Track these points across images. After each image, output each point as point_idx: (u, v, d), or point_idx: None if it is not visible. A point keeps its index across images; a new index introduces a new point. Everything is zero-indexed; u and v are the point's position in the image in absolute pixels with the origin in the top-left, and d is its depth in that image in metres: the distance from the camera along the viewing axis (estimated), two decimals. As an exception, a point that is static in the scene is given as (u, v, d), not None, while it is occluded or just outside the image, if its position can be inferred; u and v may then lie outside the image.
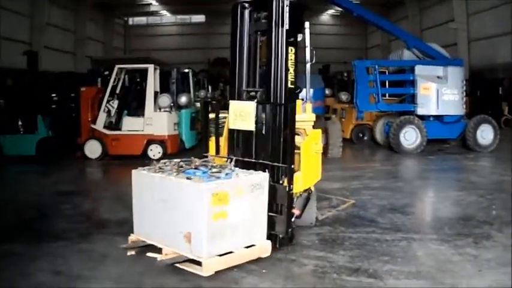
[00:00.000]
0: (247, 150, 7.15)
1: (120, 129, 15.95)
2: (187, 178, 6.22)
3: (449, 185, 11.98)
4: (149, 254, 6.51)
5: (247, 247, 6.39)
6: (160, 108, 15.79)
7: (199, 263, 5.96)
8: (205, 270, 5.91)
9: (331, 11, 46.31)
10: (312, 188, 7.96)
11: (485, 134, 17.02)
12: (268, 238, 6.68)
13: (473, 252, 6.89)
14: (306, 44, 8.28)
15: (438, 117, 17.06)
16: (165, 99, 15.81)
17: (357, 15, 17.85)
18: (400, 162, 15.45)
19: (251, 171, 6.75)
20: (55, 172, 14.12)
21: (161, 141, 15.64)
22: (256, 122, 6.98)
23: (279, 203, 6.82)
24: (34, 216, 9.17)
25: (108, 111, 15.86)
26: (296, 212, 7.07)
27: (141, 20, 51.30)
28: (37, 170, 14.91)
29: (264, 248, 6.54)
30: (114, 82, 15.89)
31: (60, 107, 17.61)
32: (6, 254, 7.00)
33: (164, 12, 48.21)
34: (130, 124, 15.96)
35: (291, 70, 6.82)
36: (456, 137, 17.49)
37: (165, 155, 14.76)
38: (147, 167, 6.87)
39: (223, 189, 6.04)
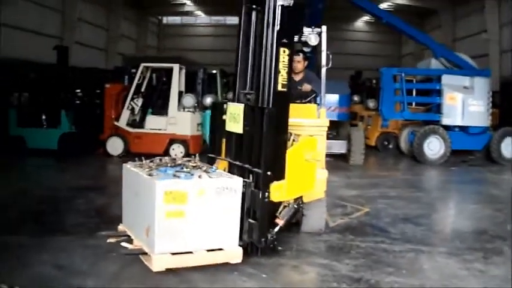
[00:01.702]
0: (238, 154, 7.00)
1: (143, 128, 16.00)
2: (149, 175, 6.28)
3: (468, 198, 11.80)
4: (123, 244, 6.69)
5: (212, 250, 6.29)
6: (184, 108, 15.77)
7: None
8: (155, 266, 5.99)
9: (365, 18, 46.00)
10: (323, 195, 7.87)
11: (510, 147, 16.71)
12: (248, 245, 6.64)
13: (481, 267, 6.70)
14: (322, 49, 8.16)
15: (463, 128, 16.80)
16: (189, 100, 15.79)
17: (385, 22, 17.69)
18: (421, 173, 15.25)
19: (227, 174, 6.72)
20: (75, 167, 14.20)
21: (183, 141, 15.63)
22: (245, 126, 6.80)
23: (256, 210, 6.61)
24: (46, 210, 9.18)
25: (132, 109, 15.92)
26: (279, 221, 6.76)
27: (176, 19, 51.43)
28: (57, 164, 15.03)
29: (234, 254, 6.36)
30: (139, 80, 15.93)
31: (85, 103, 17.68)
32: (12, 245, 7.01)
33: (199, 12, 48.28)
34: (153, 123, 16.00)
35: (283, 72, 6.56)
36: (481, 148, 17.21)
37: (187, 155, 14.72)
38: (137, 162, 6.96)
39: (179, 188, 6.02)
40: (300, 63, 8.88)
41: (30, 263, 6.39)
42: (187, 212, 6.08)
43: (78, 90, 17.51)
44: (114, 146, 15.79)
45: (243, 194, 6.55)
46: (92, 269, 6.29)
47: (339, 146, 15.53)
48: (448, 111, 16.44)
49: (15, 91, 16.87)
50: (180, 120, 15.70)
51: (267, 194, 6.50)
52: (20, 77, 17.42)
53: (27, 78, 17.25)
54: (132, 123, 16.06)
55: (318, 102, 11.11)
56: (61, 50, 17.82)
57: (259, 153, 6.56)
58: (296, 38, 8.54)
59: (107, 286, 5.81)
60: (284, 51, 6.58)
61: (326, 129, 8.15)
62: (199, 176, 6.31)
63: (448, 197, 12.21)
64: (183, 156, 13.52)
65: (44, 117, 16.11)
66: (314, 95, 8.66)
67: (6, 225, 7.96)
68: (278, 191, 6.55)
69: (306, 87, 8.77)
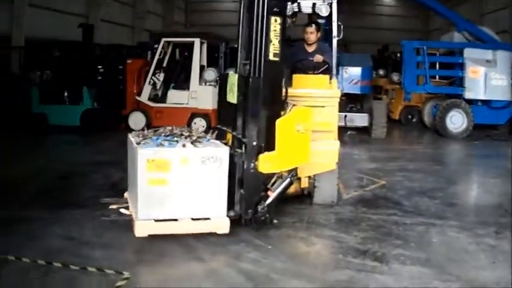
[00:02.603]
0: (234, 124, 6.89)
1: (165, 102, 16.04)
2: (137, 143, 6.36)
3: (487, 172, 11.58)
4: (122, 211, 6.83)
5: (198, 219, 6.31)
6: (206, 82, 15.75)
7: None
8: (137, 232, 6.14)
9: (393, -8, 45.60)
10: (335, 166, 7.80)
11: (534, 121, 16.42)
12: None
13: (492, 242, 6.59)
14: (333, 19, 8.10)
15: (486, 102, 16.55)
16: (210, 73, 15.78)
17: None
18: (443, 146, 15.08)
19: (217, 144, 6.68)
20: (96, 142, 14.29)
21: (205, 115, 15.64)
22: (238, 96, 6.71)
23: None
24: (63, 184, 9.30)
25: (154, 84, 15.96)
26: (271, 194, 6.58)
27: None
28: (79, 140, 15.15)
29: (221, 224, 6.34)
30: (160, 55, 15.94)
31: (107, 79, 17.72)
32: (24, 218, 7.12)
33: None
34: (175, 97, 16.05)
35: (274, 42, 6.42)
36: (504, 123, 16.94)
37: (209, 128, 14.70)
38: (139, 132, 7.08)
39: (162, 156, 6.12)
40: (312, 34, 8.76)
41: (41, 235, 6.47)
42: (170, 180, 6.16)
43: (100, 67, 17.53)
44: (136, 121, 15.83)
45: (236, 164, 6.54)
46: (100, 239, 6.39)
47: (361, 119, 15.43)
48: (470, 85, 16.19)
49: (37, 69, 16.95)
50: (202, 94, 15.70)
51: (252, 164, 6.44)
52: (44, 55, 17.53)
53: (50, 57, 17.33)
54: (154, 98, 16.12)
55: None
56: (86, 28, 17.89)
57: (247, 123, 6.53)
58: (310, 9, 8.55)
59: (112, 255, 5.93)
60: (275, 20, 6.42)
61: (337, 100, 8.11)
62: (183, 145, 6.32)
63: (467, 170, 12.05)
64: (205, 130, 13.59)
65: (66, 94, 16.25)
66: (326, 66, 8.52)
67: (22, 200, 8.09)
68: (267, 162, 6.42)
69: (318, 58, 8.65)
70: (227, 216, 6.41)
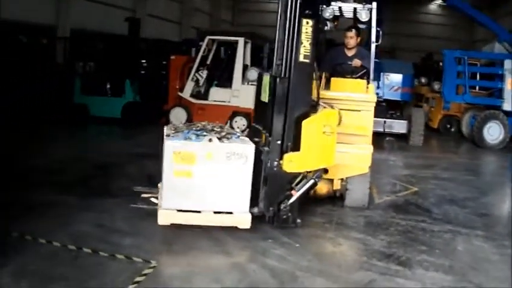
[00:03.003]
0: (266, 123, 7.03)
1: (207, 99, 16.18)
2: (167, 135, 6.62)
3: None
4: (153, 200, 7.09)
5: (220, 213, 6.48)
6: (248, 82, 15.87)
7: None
8: (160, 220, 6.41)
9: (439, 1, 45.12)
10: (367, 170, 7.91)
11: None
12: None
13: (516, 254, 6.63)
14: (372, 25, 8.21)
15: (523, 115, 16.30)
16: (253, 73, 15.85)
17: (449, 4, 17.40)
18: (479, 157, 14.99)
19: (245, 141, 6.79)
20: (135, 135, 14.55)
21: (246, 114, 15.69)
22: (269, 95, 6.86)
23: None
24: (99, 174, 9.57)
25: (197, 81, 16.12)
26: (294, 193, 6.62)
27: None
28: (118, 132, 15.47)
29: (242, 219, 6.49)
30: (204, 52, 16.11)
31: (150, 73, 18.01)
32: (58, 204, 7.43)
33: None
34: (217, 94, 16.17)
35: (305, 44, 6.51)
36: (541, 137, 16.66)
37: (249, 127, 14.86)
38: (175, 125, 7.43)
39: (188, 149, 6.36)
40: (352, 38, 8.85)
41: (73, 221, 6.74)
42: (195, 173, 6.40)
43: (144, 61, 17.82)
44: (177, 116, 15.99)
45: (263, 162, 6.68)
46: (131, 228, 6.65)
47: (400, 126, 15.42)
48: (508, 97, 15.96)
49: (80, 60, 17.30)
50: (244, 93, 15.78)
51: (276, 163, 6.57)
52: (88, 47, 17.88)
53: (94, 48, 17.68)
54: (196, 95, 16.25)
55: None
56: (132, 22, 18.20)
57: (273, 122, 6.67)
58: (351, 14, 8.68)
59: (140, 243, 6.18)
60: (307, 23, 6.52)
61: (373, 104, 8.19)
62: (210, 140, 6.48)
63: (500, 182, 11.99)
64: (245, 129, 13.73)
65: (108, 86, 16.56)
66: (364, 70, 8.62)
67: (58, 187, 8.36)
68: (291, 162, 6.53)
69: (356, 62, 8.75)
70: (250, 212, 6.56)
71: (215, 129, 7.08)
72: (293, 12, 6.55)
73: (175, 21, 36.21)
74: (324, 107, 7.13)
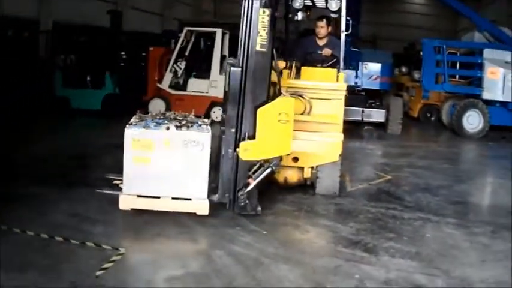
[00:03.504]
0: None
1: (185, 90, 16.17)
2: (129, 124, 6.77)
3: (497, 172, 11.51)
4: (121, 186, 6.93)
5: (178, 199, 6.59)
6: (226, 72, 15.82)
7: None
8: (121, 205, 6.63)
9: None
10: (338, 158, 7.92)
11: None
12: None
13: (486, 241, 6.65)
14: (342, 14, 8.19)
15: (503, 104, 16.27)
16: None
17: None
18: (457, 145, 15.02)
19: (203, 129, 6.75)
20: (114, 126, 14.24)
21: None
22: (226, 84, 6.90)
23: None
24: (75, 165, 9.58)
25: (175, 72, 16.12)
26: (251, 181, 6.59)
27: (233, -16, 51.28)
28: (98, 123, 15.42)
29: (201, 206, 6.58)
30: (182, 44, 16.08)
31: (129, 66, 17.97)
32: (34, 196, 7.43)
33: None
34: (195, 85, 16.19)
35: (262, 33, 6.47)
36: (521, 125, 16.70)
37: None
38: (142, 115, 7.39)
39: (146, 137, 6.54)
40: (323, 28, 8.87)
41: (47, 211, 6.82)
42: (153, 159, 6.57)
43: (123, 53, 17.77)
44: (156, 107, 15.87)
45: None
46: (103, 216, 6.73)
47: (378, 115, 15.44)
48: (488, 86, 15.97)
49: (61, 53, 17.25)
50: (221, 83, 15.69)
51: (230, 151, 6.57)
52: (69, 40, 17.83)
53: (75, 41, 17.63)
54: (174, 86, 16.27)
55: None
56: (114, 14, 18.17)
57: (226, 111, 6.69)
58: (323, 4, 8.68)
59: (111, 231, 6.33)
60: (264, 12, 6.48)
61: (344, 93, 8.18)
62: (168, 128, 6.59)
63: (477, 170, 12.01)
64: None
65: (88, 78, 16.51)
66: (334, 59, 8.63)
67: (34, 179, 8.38)
68: (247, 150, 6.49)
69: (326, 51, 8.77)
70: (209, 199, 6.61)
71: (178, 118, 7.12)
72: (250, 1, 6.53)
73: (157, 13, 36.04)
74: (312, 98, 7.13)
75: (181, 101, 15.88)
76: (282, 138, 6.60)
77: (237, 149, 6.51)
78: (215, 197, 6.68)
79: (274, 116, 6.48)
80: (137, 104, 15.96)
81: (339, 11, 8.25)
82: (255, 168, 6.61)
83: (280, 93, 7.04)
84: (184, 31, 16.06)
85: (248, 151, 6.46)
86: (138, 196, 6.61)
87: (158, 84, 16.17)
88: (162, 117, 7.15)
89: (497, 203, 8.81)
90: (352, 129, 15.00)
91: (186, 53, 16.34)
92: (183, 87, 16.30)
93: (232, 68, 6.58)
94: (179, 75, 16.24)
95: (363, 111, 15.28)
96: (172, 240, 6.13)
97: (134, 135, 6.57)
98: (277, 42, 9.34)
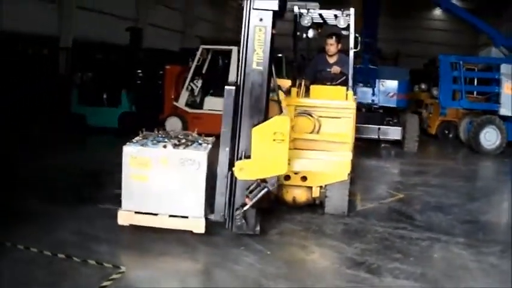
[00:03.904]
0: None
1: (201, 108, 16.14)
2: (129, 142, 6.91)
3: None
4: None
5: (175, 216, 6.64)
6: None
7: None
8: (119, 220, 6.74)
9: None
10: (346, 177, 7.84)
11: None
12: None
13: (495, 261, 6.53)
14: (350, 31, 8.16)
15: (521, 120, 16.04)
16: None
17: (444, 8, 17.32)
18: (474, 162, 14.78)
19: (202, 148, 6.88)
20: (129, 144, 14.49)
21: (241, 122, 15.64)
22: None
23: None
24: (88, 182, 9.67)
25: (192, 90, 16.09)
26: (248, 201, 6.42)
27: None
28: (113, 141, 15.29)
29: (197, 224, 6.62)
30: (198, 62, 16.07)
31: (146, 83, 18.02)
32: (41, 213, 7.48)
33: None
34: (212, 103, 16.10)
35: (258, 51, 6.41)
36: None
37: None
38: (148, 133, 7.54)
39: (143, 155, 6.66)
40: (332, 45, 8.84)
41: (54, 229, 6.86)
42: (150, 177, 6.66)
43: (139, 71, 17.82)
44: (173, 125, 15.89)
45: None
46: (108, 235, 6.74)
47: (394, 133, 15.28)
48: (505, 102, 15.65)
49: (79, 71, 17.38)
50: (238, 101, 15.72)
51: (224, 170, 6.50)
52: (87, 57, 17.96)
53: (92, 59, 17.76)
54: (191, 104, 16.23)
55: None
56: (134, 32, 18.25)
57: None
58: (334, 21, 8.63)
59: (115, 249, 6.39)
60: (260, 30, 6.41)
61: (353, 111, 8.13)
62: (164, 146, 6.70)
63: (492, 187, 11.79)
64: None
65: (105, 96, 16.54)
66: (344, 77, 8.58)
67: (45, 196, 8.43)
68: (242, 170, 6.38)
69: (335, 69, 8.74)
70: (207, 217, 6.62)
71: (179, 136, 7.23)
72: (246, 19, 6.47)
73: (178, 31, 36.29)
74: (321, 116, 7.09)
75: (198, 119, 15.82)
76: (277, 158, 6.38)
77: (233, 168, 6.44)
78: (213, 216, 6.64)
79: (270, 135, 6.30)
80: (154, 122, 16.02)
81: (348, 27, 8.21)
82: (251, 187, 6.49)
83: (281, 112, 6.94)
84: (200, 49, 16.07)
85: (243, 170, 6.36)
86: (136, 212, 6.70)
87: (175, 103, 16.15)
88: (164, 135, 7.24)
89: (509, 222, 8.64)
90: (368, 147, 14.94)
91: (203, 71, 16.33)
92: (200, 105, 16.26)
93: (226, 87, 6.56)
94: (196, 93, 16.20)
95: (379, 129, 15.15)
96: (175, 259, 6.16)
97: (132, 153, 6.70)
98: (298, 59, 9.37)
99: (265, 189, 6.46)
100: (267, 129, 6.31)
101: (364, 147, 14.67)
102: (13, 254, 5.97)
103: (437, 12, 47.26)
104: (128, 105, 16.46)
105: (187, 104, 16.13)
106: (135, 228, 6.75)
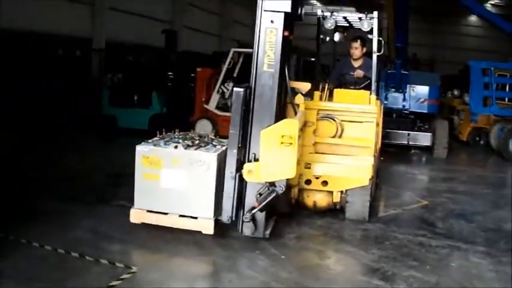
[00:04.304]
0: None
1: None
2: (144, 141, 7.21)
3: None
4: None
5: (185, 216, 6.74)
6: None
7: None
8: (131, 218, 6.94)
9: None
10: (368, 182, 7.76)
11: None
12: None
13: (513, 271, 6.38)
14: (374, 35, 8.09)
15: (550, 127, 15.66)
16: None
17: (476, 13, 17.10)
18: (503, 170, 14.49)
19: (213, 149, 7.00)
20: (158, 146, 14.57)
21: (269, 125, 15.64)
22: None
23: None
24: (111, 182, 9.79)
25: (222, 93, 16.13)
26: (256, 204, 6.40)
27: (307, 8, 50.72)
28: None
29: (206, 225, 6.70)
30: (229, 65, 16.10)
31: (177, 85, 18.11)
32: (63, 211, 7.64)
33: (314, 1, 48.11)
34: (242, 106, 16.11)
35: (269, 53, 6.37)
36: None
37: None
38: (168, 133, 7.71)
39: (155, 155, 6.83)
40: (357, 49, 8.83)
41: (71, 227, 6.98)
42: (161, 177, 6.81)
43: (171, 73, 17.90)
44: (203, 128, 15.92)
45: None
46: (123, 235, 6.84)
47: (424, 139, 15.10)
48: (536, 108, 15.48)
49: (109, 72, 17.56)
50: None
51: (232, 172, 6.44)
52: (118, 59, 18.12)
53: (124, 61, 17.92)
54: (222, 107, 16.27)
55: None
56: (169, 34, 18.37)
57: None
58: (358, 25, 8.57)
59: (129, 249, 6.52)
60: (271, 31, 6.39)
61: (375, 115, 8.08)
62: (175, 147, 6.81)
63: (519, 196, 11.50)
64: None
65: (135, 98, 16.65)
66: (368, 81, 8.53)
67: (67, 195, 8.57)
68: (250, 172, 6.30)
69: (359, 73, 8.71)
70: (218, 219, 6.65)
71: (195, 137, 7.38)
72: (259, 20, 6.47)
73: (215, 34, 36.38)
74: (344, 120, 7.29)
75: (228, 122, 15.75)
76: (284, 162, 6.20)
77: (242, 170, 6.40)
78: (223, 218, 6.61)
79: (278, 138, 6.16)
80: (184, 124, 16.13)
81: (371, 31, 8.15)
82: (261, 190, 6.45)
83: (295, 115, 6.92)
84: (231, 52, 16.10)
85: (252, 173, 6.29)
86: (148, 211, 6.88)
87: (205, 105, 16.20)
88: (181, 136, 7.38)
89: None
90: (398, 152, 14.83)
91: (234, 75, 16.35)
92: (230, 108, 16.27)
93: (234, 89, 6.54)
94: (226, 96, 16.22)
95: (408, 134, 15.01)
96: (188, 261, 6.20)
97: (144, 152, 6.89)
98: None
99: (273, 194, 6.40)
100: (275, 132, 6.19)
101: (393, 153, 14.57)
102: (27, 251, 6.08)
103: (474, 18, 46.70)
104: (158, 107, 16.53)
105: (217, 107, 16.15)
106: (150, 228, 6.83)
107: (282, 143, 6.15)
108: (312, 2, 42.41)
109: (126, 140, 15.43)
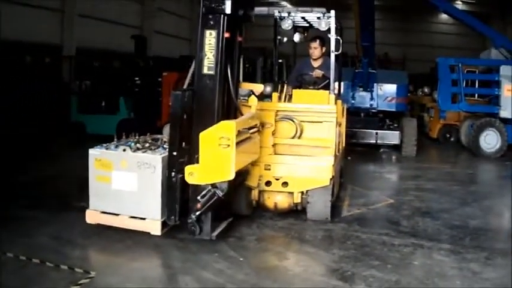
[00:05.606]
0: None
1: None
2: (99, 146, 7.30)
3: (507, 194, 10.74)
4: None
5: (135, 217, 6.87)
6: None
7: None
8: (87, 219, 7.10)
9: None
10: (329, 182, 7.70)
11: None
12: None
13: (477, 268, 6.28)
14: (331, 34, 8.03)
15: (521, 122, 15.72)
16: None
17: (443, 10, 17.15)
18: (473, 166, 14.53)
19: (158, 152, 6.97)
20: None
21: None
22: None
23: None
24: (75, 189, 9.46)
25: (188, 97, 16.00)
26: (198, 206, 6.35)
27: (262, 10, 51.18)
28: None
29: (154, 226, 6.75)
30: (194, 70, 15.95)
31: (144, 90, 17.99)
32: (25, 218, 7.61)
33: (285, 3, 48.09)
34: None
35: (209, 55, 6.30)
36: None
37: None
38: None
39: (105, 157, 6.99)
40: (316, 49, 8.77)
41: (33, 234, 6.98)
42: (112, 179, 6.95)
43: (137, 78, 17.78)
44: (171, 132, 15.85)
45: None
46: (84, 240, 6.87)
47: (392, 137, 15.06)
48: (505, 104, 15.33)
49: (77, 79, 17.44)
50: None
51: (173, 174, 6.45)
52: (86, 65, 18.01)
53: (91, 67, 17.81)
54: (188, 111, 16.14)
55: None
56: (138, 40, 18.26)
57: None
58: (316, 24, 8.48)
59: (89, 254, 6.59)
60: (210, 34, 6.32)
61: (335, 115, 8.00)
62: (124, 150, 6.88)
63: (487, 192, 11.37)
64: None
65: (103, 103, 16.53)
66: (327, 81, 8.45)
67: (31, 202, 8.51)
68: (191, 174, 6.23)
69: (317, 73, 8.63)
70: (166, 220, 6.63)
71: (148, 140, 7.49)
72: (199, 24, 6.40)
73: (185, 38, 36.28)
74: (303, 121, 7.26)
75: (194, 125, 15.74)
76: (222, 163, 6.14)
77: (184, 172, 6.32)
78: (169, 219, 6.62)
79: (215, 140, 6.10)
80: (151, 129, 15.98)
81: (329, 30, 8.07)
82: (203, 192, 6.37)
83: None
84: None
85: (193, 175, 6.23)
86: (102, 212, 7.03)
87: (172, 110, 16.05)
88: (134, 139, 7.50)
89: (499, 227, 8.49)
90: (367, 152, 14.81)
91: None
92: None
93: (172, 92, 6.63)
94: (192, 100, 16.10)
95: (376, 133, 14.97)
96: (146, 265, 6.16)
97: (96, 156, 7.07)
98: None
99: (215, 196, 6.34)
100: (212, 134, 6.12)
101: (362, 152, 14.55)
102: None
103: (444, 15, 46.88)
104: (126, 112, 16.43)
105: (184, 111, 15.99)
106: (111, 232, 6.86)
107: (219, 144, 6.05)
108: (282, 3, 42.43)
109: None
